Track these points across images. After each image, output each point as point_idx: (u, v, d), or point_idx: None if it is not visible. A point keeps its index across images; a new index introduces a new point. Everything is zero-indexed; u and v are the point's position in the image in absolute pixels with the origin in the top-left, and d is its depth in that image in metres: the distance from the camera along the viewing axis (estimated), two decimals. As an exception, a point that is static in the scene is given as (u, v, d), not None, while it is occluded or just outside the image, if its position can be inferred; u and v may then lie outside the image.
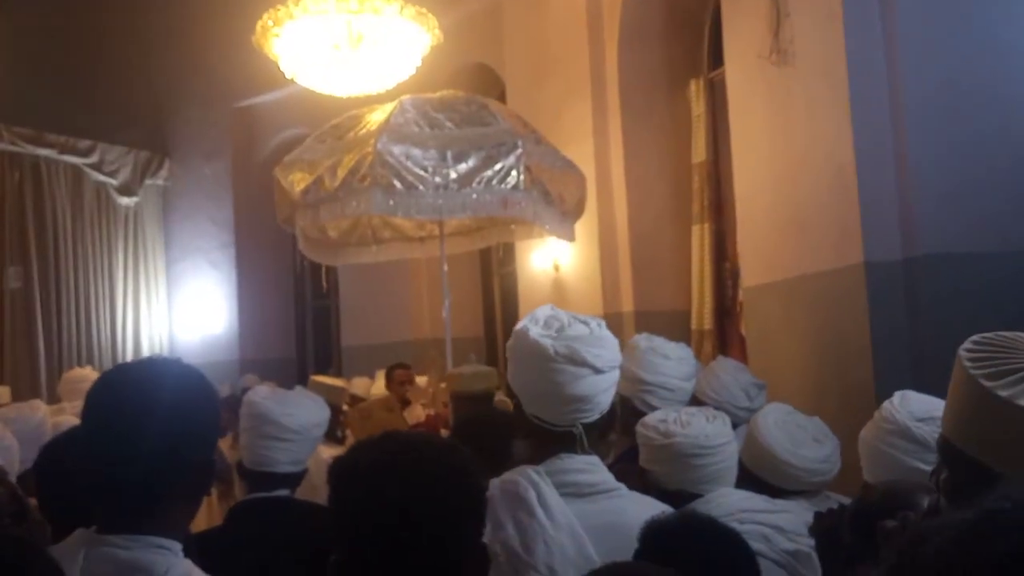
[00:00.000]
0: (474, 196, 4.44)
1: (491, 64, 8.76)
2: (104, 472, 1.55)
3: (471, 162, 4.48)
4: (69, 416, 4.30)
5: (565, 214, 4.98)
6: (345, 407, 5.93)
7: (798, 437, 2.83)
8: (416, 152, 4.43)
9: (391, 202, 4.36)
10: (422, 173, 4.38)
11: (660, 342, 3.39)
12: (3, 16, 8.34)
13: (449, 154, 4.47)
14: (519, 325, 2.04)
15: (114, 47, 11.67)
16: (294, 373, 11.16)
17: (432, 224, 5.81)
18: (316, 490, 3.74)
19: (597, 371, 1.95)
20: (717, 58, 6.68)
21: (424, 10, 6.17)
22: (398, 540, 1.38)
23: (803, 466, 2.77)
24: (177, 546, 1.57)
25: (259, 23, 6.18)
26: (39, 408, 3.84)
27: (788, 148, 4.99)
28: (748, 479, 2.71)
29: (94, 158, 11.15)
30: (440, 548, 1.40)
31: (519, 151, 4.57)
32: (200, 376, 1.64)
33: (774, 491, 2.68)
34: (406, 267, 9.25)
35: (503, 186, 4.49)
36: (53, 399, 5.84)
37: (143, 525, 1.53)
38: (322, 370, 9.65)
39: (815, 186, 4.74)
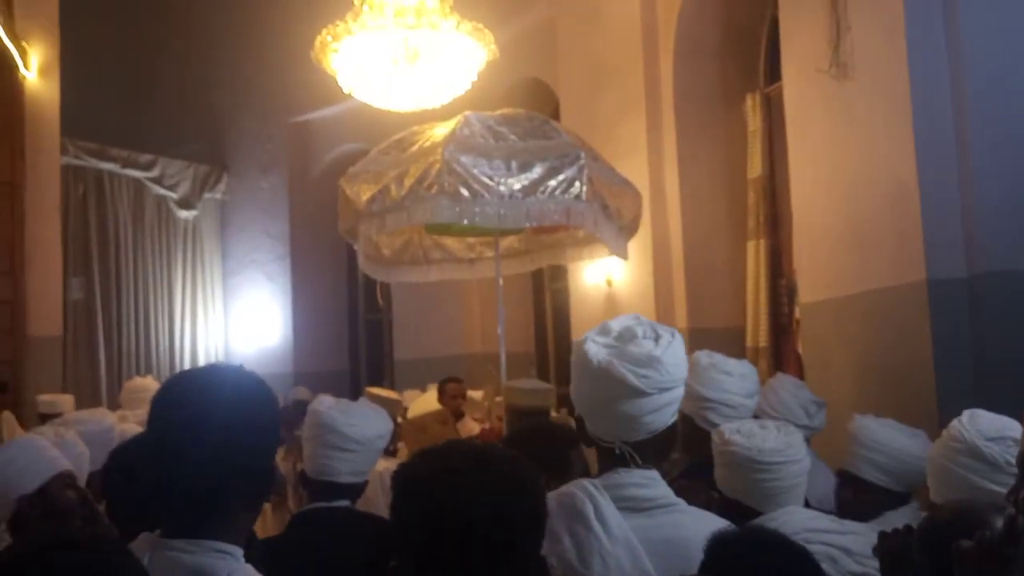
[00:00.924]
0: (537, 206, 4.47)
1: (545, 79, 8.78)
2: (167, 477, 1.58)
3: (535, 172, 4.52)
4: (132, 424, 4.38)
5: (621, 229, 4.98)
6: (399, 420, 5.96)
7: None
8: (482, 162, 4.48)
9: (457, 209, 4.40)
10: (488, 182, 4.43)
11: (721, 358, 3.35)
12: (69, 33, 8.57)
13: (514, 164, 4.52)
14: (585, 335, 2.02)
15: (175, 63, 11.95)
16: (347, 386, 11.25)
17: (481, 246, 5.85)
18: (370, 502, 3.77)
19: (641, 393, 1.90)
20: (774, 72, 6.63)
21: (480, 25, 6.21)
22: (458, 549, 1.38)
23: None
24: (238, 551, 1.58)
25: (318, 39, 6.27)
26: (107, 415, 3.92)
27: (847, 163, 4.93)
28: None
29: (155, 172, 11.38)
30: (500, 559, 1.39)
31: (581, 162, 4.59)
32: (261, 383, 1.66)
33: None
34: (459, 282, 9.26)
35: (566, 196, 4.52)
36: (113, 408, 5.95)
37: (205, 530, 1.55)
38: (374, 383, 9.70)
39: (875, 202, 4.67)
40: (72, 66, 8.62)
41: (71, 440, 3.15)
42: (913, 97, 4.37)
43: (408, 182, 4.54)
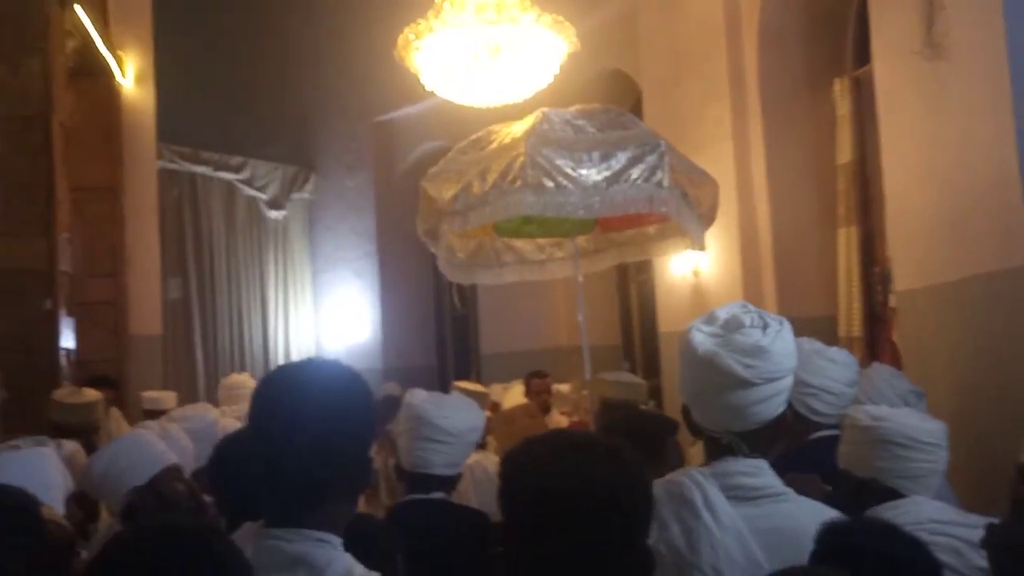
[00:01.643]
0: (621, 194, 4.46)
1: (627, 70, 8.73)
2: (267, 468, 1.62)
3: (617, 162, 4.51)
4: (230, 419, 4.52)
5: (700, 218, 4.93)
6: (488, 413, 6.01)
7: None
8: (564, 154, 4.48)
9: (541, 201, 4.41)
10: (571, 173, 4.43)
11: (822, 346, 3.31)
12: (161, 41, 8.85)
13: (595, 155, 4.51)
14: (689, 324, 2.01)
15: (263, 68, 12.24)
16: (434, 381, 11.38)
17: (552, 247, 5.86)
18: (462, 495, 3.81)
19: (747, 383, 1.90)
20: (862, 55, 6.46)
21: (561, 18, 6.20)
22: (567, 533, 1.39)
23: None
24: (337, 540, 1.62)
25: (400, 37, 6.34)
26: (210, 410, 4.06)
27: (943, 146, 4.78)
28: None
29: (245, 174, 11.69)
30: (609, 543, 1.41)
31: (662, 149, 4.56)
32: (356, 376, 1.70)
33: None
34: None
35: (648, 184, 4.50)
36: (211, 404, 6.14)
37: (305, 520, 1.60)
38: (461, 378, 9.80)
39: (974, 185, 4.52)
40: (165, 73, 8.90)
41: (176, 435, 3.27)
42: (1013, 76, 4.20)
43: (491, 177, 4.56)
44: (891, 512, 2.16)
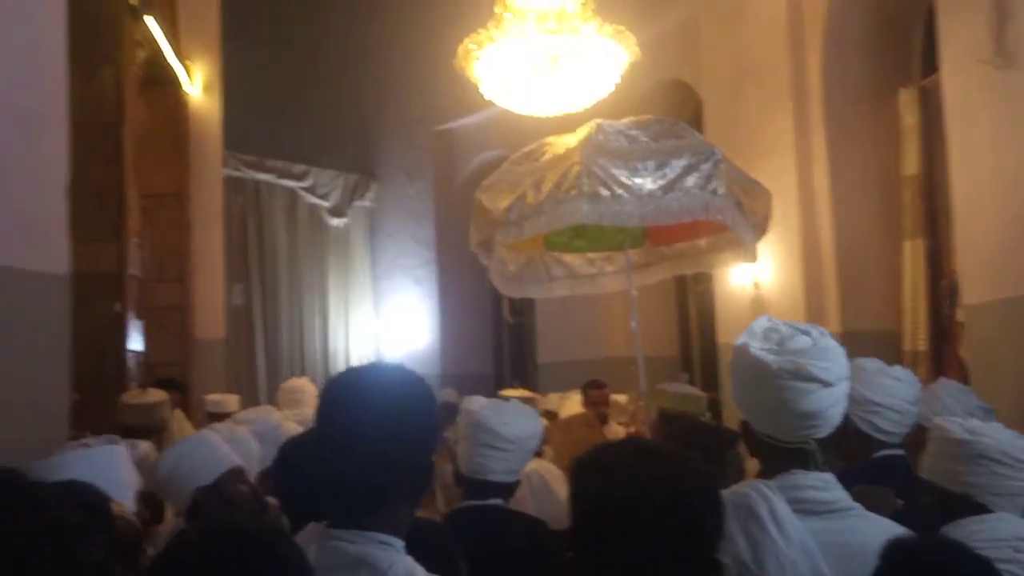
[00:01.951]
0: (676, 202, 4.43)
1: (687, 80, 8.68)
2: (332, 470, 1.65)
3: (672, 170, 4.48)
4: (292, 423, 4.57)
5: (755, 227, 4.88)
6: (543, 421, 6.00)
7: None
8: (619, 163, 4.47)
9: (597, 210, 4.41)
10: (626, 182, 4.42)
11: (884, 364, 3.27)
12: (228, 51, 9.04)
13: (650, 164, 4.50)
14: (739, 341, 2.01)
15: (327, 77, 12.43)
16: (491, 388, 11.39)
17: (602, 261, 5.84)
18: (520, 503, 3.82)
19: (825, 384, 1.91)
20: (929, 64, 6.35)
21: (622, 28, 6.20)
22: (633, 541, 1.39)
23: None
24: (400, 543, 1.64)
25: (461, 47, 6.39)
26: (273, 413, 4.12)
27: (1014, 156, 4.67)
28: None
29: (308, 182, 11.86)
30: (675, 553, 1.40)
31: (717, 157, 4.53)
32: (420, 381, 1.71)
33: None
34: (600, 285, 9.27)
35: (703, 192, 4.47)
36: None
37: (368, 522, 1.62)
38: (518, 386, 9.81)
39: (1046, 196, 4.42)
40: (231, 82, 9.08)
41: (242, 437, 3.33)
42: (1088, 85, 4.11)
43: (546, 187, 4.56)
44: (976, 527, 2.12)
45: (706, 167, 4.53)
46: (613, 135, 4.73)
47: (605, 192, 4.41)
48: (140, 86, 7.05)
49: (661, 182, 4.48)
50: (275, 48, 12.30)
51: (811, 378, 1.90)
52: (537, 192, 4.55)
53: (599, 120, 4.91)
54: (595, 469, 1.49)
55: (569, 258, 5.81)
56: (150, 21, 6.92)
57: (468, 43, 6.38)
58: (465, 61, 6.47)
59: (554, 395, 7.50)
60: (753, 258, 5.04)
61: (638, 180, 4.47)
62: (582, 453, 1.58)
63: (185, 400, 7.00)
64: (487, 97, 6.75)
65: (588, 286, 5.90)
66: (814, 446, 1.91)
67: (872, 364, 3.25)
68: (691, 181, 4.51)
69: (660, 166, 4.50)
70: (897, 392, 3.17)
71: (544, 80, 6.33)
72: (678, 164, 4.53)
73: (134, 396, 5.23)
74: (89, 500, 2.00)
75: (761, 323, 2.06)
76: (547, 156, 4.86)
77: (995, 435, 2.37)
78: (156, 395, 5.20)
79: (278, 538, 1.43)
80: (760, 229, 5.00)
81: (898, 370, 3.28)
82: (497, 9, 6.42)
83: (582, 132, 4.80)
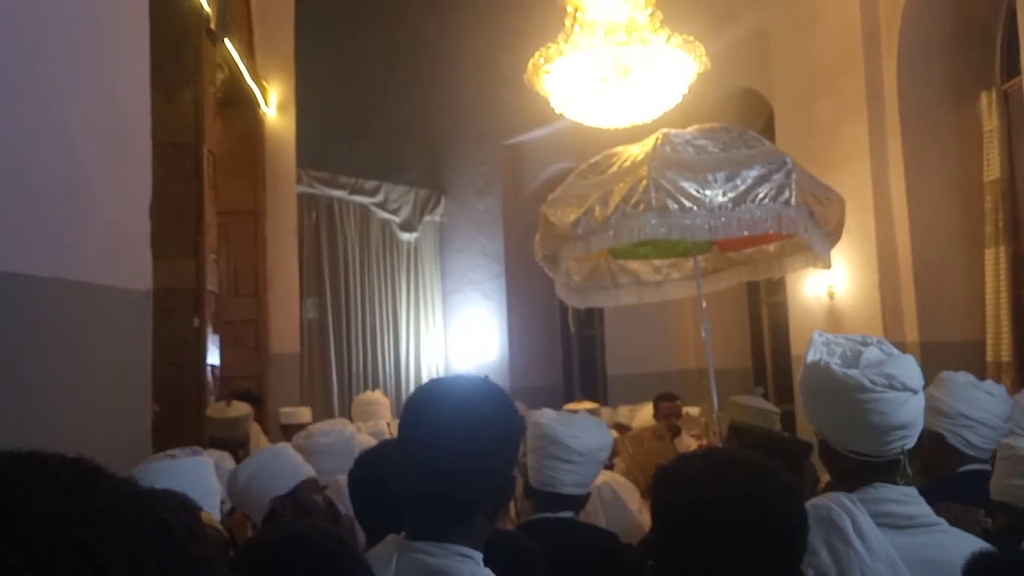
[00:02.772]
0: (748, 214, 4.36)
1: (758, 88, 8.59)
2: (415, 483, 1.65)
3: (743, 181, 4.41)
4: (364, 435, 4.64)
5: (827, 236, 4.77)
6: (613, 433, 5.97)
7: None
8: (688, 175, 4.41)
9: (666, 224, 4.36)
10: (696, 195, 4.36)
11: (975, 379, 3.20)
12: (302, 71, 9.23)
13: (720, 175, 4.42)
14: (812, 359, 1.98)
15: (397, 95, 12.61)
16: (560, 401, 11.37)
17: (668, 268, 5.78)
18: (589, 515, 3.80)
19: (915, 392, 1.90)
20: (1011, 68, 6.18)
21: (691, 38, 6.16)
22: (717, 549, 1.38)
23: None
24: (479, 556, 1.63)
25: (531, 61, 6.42)
26: (347, 425, 4.19)
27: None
28: None
29: (379, 197, 12.03)
30: (759, 563, 1.38)
31: (789, 167, 4.44)
32: (505, 396, 1.70)
33: None
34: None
35: (776, 203, 4.39)
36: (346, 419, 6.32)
37: (447, 534, 1.61)
38: (588, 399, 9.77)
39: None
40: (304, 100, 9.27)
41: (315, 448, 3.39)
42: None
43: (614, 201, 4.51)
44: None
45: (778, 177, 4.46)
46: (680, 146, 4.68)
47: (674, 205, 4.37)
48: (218, 106, 7.24)
49: (732, 194, 4.42)
50: (347, 67, 12.53)
51: (904, 387, 1.88)
52: (604, 206, 4.52)
53: (665, 130, 4.87)
54: (681, 478, 1.48)
55: (635, 265, 5.76)
56: (228, 44, 7.11)
57: (538, 57, 6.41)
58: (535, 75, 6.50)
59: (624, 408, 7.46)
60: (827, 264, 4.94)
61: (708, 192, 4.41)
62: (666, 463, 1.57)
63: (260, 412, 7.13)
64: (557, 110, 6.77)
65: (655, 293, 5.85)
66: (905, 458, 1.88)
67: (963, 377, 3.19)
68: (763, 192, 4.44)
69: (731, 177, 4.44)
70: (990, 407, 3.09)
71: (613, 92, 6.33)
72: (749, 175, 4.46)
73: (219, 410, 5.35)
74: (187, 509, 2.05)
75: (821, 339, 2.04)
76: (613, 168, 4.82)
77: None
78: (241, 408, 5.31)
79: (340, 546, 1.45)
80: (833, 236, 4.90)
81: (990, 384, 3.21)
82: (566, 23, 6.44)
83: (648, 143, 4.75)
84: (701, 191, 4.40)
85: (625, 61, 6.15)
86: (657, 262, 5.75)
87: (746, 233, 4.58)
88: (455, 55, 12.13)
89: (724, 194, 4.40)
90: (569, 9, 6.47)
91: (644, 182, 4.37)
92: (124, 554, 0.61)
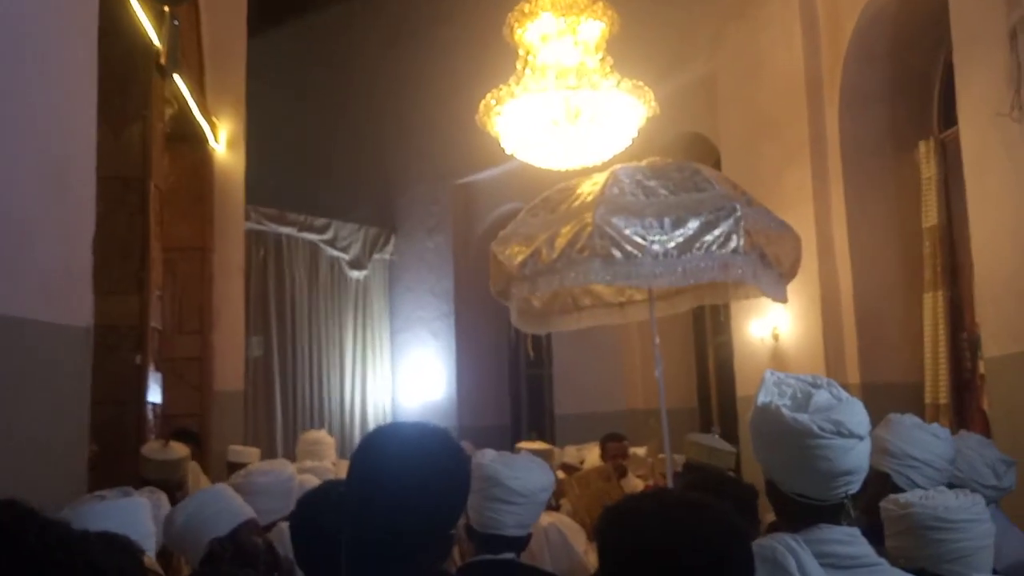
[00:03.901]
0: (693, 263, 4.36)
1: (706, 133, 8.75)
2: (362, 527, 1.63)
3: (690, 228, 4.40)
4: (307, 476, 4.56)
5: (781, 275, 4.82)
6: (560, 474, 5.95)
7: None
8: (634, 221, 4.39)
9: (610, 271, 4.35)
10: (641, 241, 4.34)
11: (921, 420, 3.25)
12: (251, 106, 9.19)
13: (667, 221, 4.41)
14: (761, 401, 1.99)
15: (347, 132, 12.62)
16: (508, 441, 11.34)
17: (631, 289, 5.79)
18: (534, 556, 3.78)
19: (862, 439, 1.92)
20: (948, 118, 6.38)
21: (641, 83, 6.28)
22: None
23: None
24: None
25: (482, 103, 6.49)
26: (287, 465, 4.12)
27: (1034, 208, 4.67)
28: None
29: (329, 235, 11.97)
30: None
31: (738, 214, 4.43)
32: (455, 442, 1.71)
33: None
34: (619, 337, 9.27)
35: (723, 251, 4.39)
36: (288, 459, 6.23)
37: None
38: (536, 438, 9.75)
39: (1067, 248, 4.40)
40: (254, 136, 9.22)
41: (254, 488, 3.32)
42: (1106, 137, 4.11)
43: (559, 244, 4.50)
44: None
45: (727, 224, 4.43)
46: (630, 186, 4.64)
47: (618, 253, 4.32)
48: (167, 142, 7.17)
49: (679, 240, 4.39)
50: (298, 104, 12.52)
51: (851, 434, 1.90)
52: (551, 249, 4.50)
53: (617, 167, 4.87)
54: (629, 519, 1.49)
55: (598, 287, 5.74)
56: (178, 79, 7.06)
57: (489, 98, 6.48)
58: (486, 116, 6.56)
59: (571, 448, 7.45)
60: (783, 299, 4.97)
61: (653, 239, 4.36)
62: (614, 503, 1.57)
63: (201, 451, 7.00)
64: (508, 151, 6.83)
65: (617, 316, 5.80)
66: (849, 502, 1.91)
67: (910, 419, 3.23)
68: (709, 239, 4.41)
69: (677, 223, 4.40)
70: (935, 449, 3.14)
71: (564, 134, 6.41)
72: (696, 221, 4.42)
73: (155, 450, 5.23)
74: (126, 552, 1.99)
75: (772, 379, 2.06)
76: (563, 207, 4.79)
77: (926, 503, 2.37)
78: (178, 450, 5.21)
79: None
80: (788, 275, 4.91)
81: (936, 427, 3.26)
82: (518, 65, 6.52)
83: (599, 181, 4.73)
84: (646, 238, 4.36)
85: (575, 104, 6.24)
86: (639, 286, 5.73)
87: (692, 282, 4.60)
88: (407, 94, 12.19)
89: (670, 241, 4.38)
90: (521, 52, 6.56)
91: (589, 229, 4.35)
92: None
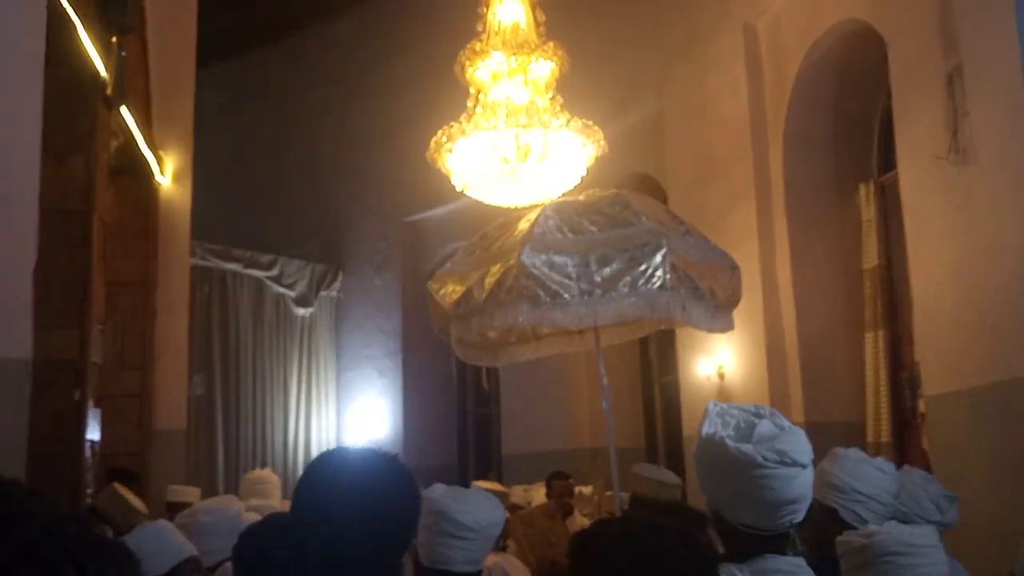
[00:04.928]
0: (617, 300, 4.32)
1: (653, 173, 8.87)
2: (304, 557, 1.60)
3: (615, 266, 4.33)
4: (252, 515, 4.47)
5: (718, 307, 4.75)
6: (507, 515, 5.90)
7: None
8: (559, 260, 4.33)
9: (537, 313, 4.31)
10: (566, 281, 4.28)
11: (866, 455, 3.28)
12: (199, 141, 9.11)
13: (592, 259, 4.35)
14: (706, 432, 2.00)
15: (295, 168, 12.56)
16: (455, 480, 11.24)
17: None
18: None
19: (805, 467, 1.94)
20: (888, 162, 6.56)
21: (590, 122, 6.36)
22: None
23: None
24: None
25: (433, 140, 6.52)
26: (234, 502, 4.04)
27: (972, 249, 4.80)
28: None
29: (275, 271, 11.85)
30: None
31: (663, 250, 4.38)
32: (407, 473, 1.67)
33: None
34: (567, 376, 9.29)
35: (649, 287, 4.34)
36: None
37: None
38: (482, 477, 9.69)
39: (1005, 287, 4.52)
40: (202, 172, 9.13)
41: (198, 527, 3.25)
42: (1038, 180, 4.26)
43: (488, 283, 4.44)
44: None
45: (654, 260, 4.34)
46: (556, 225, 4.56)
47: (543, 295, 4.29)
48: (111, 174, 7.06)
49: (605, 274, 4.35)
50: (246, 140, 12.45)
51: (795, 463, 1.91)
52: (481, 289, 4.44)
53: (550, 203, 4.84)
54: (600, 544, 1.48)
55: None
56: (124, 111, 6.98)
57: (440, 135, 6.51)
58: (437, 153, 6.59)
59: (519, 488, 7.41)
60: (721, 329, 4.93)
61: (579, 280, 4.30)
62: (587, 528, 1.57)
63: (139, 490, 6.82)
64: (458, 189, 6.85)
65: (578, 343, 5.68)
66: (794, 532, 1.92)
67: (855, 454, 3.26)
68: (635, 276, 4.38)
69: (603, 261, 4.32)
70: (881, 483, 3.16)
71: (514, 172, 6.45)
72: (621, 259, 4.36)
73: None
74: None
75: (715, 410, 2.07)
76: (496, 245, 4.75)
77: (890, 530, 2.41)
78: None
79: None
80: (726, 305, 4.88)
81: (880, 461, 3.29)
82: (469, 103, 6.57)
83: (532, 218, 4.69)
84: (571, 279, 4.29)
85: (526, 142, 6.30)
86: (569, 326, 5.71)
87: (617, 321, 4.57)
88: (356, 131, 12.19)
89: (595, 279, 4.34)
90: (472, 90, 6.62)
91: (515, 270, 4.31)
92: None
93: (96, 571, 0.63)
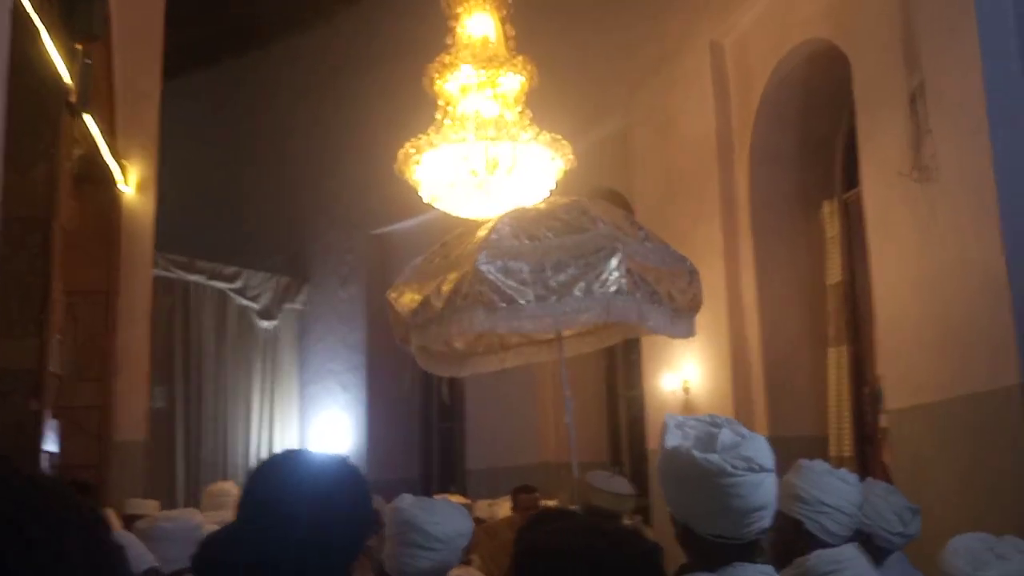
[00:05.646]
0: (573, 305, 4.32)
1: (620, 189, 8.91)
2: (254, 561, 1.57)
3: (571, 271, 4.31)
4: (212, 525, 4.41)
5: (677, 311, 4.73)
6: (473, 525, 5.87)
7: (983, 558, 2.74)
8: (513, 266, 4.32)
9: (492, 319, 4.30)
10: (521, 287, 4.26)
11: (830, 467, 3.30)
12: (164, 151, 9.02)
13: (548, 264, 4.33)
14: (670, 445, 1.99)
15: (260, 180, 12.47)
16: (419, 494, 11.15)
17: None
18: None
19: (770, 472, 1.94)
20: (851, 179, 6.65)
21: (559, 136, 6.39)
22: None
23: None
24: None
25: (401, 151, 6.51)
26: (195, 514, 3.99)
27: (933, 265, 4.87)
28: None
29: (238, 283, 11.73)
30: None
31: (619, 255, 4.35)
32: (360, 476, 1.65)
33: None
34: (532, 390, 9.28)
35: (604, 291, 4.32)
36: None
37: None
38: (446, 491, 9.63)
39: (965, 303, 4.59)
40: (166, 183, 9.03)
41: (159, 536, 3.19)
42: (1000, 197, 4.33)
43: (446, 291, 4.42)
44: None
45: (610, 263, 4.32)
46: (513, 231, 4.55)
47: (499, 300, 4.28)
48: (74, 182, 6.96)
49: (558, 282, 4.33)
50: (211, 150, 12.34)
51: (761, 468, 1.92)
52: (438, 297, 4.43)
53: (508, 211, 4.83)
54: (541, 542, 1.47)
55: None
56: (88, 119, 6.89)
57: (408, 147, 6.50)
58: (405, 165, 6.58)
59: (483, 503, 7.38)
60: (682, 335, 4.89)
61: (534, 286, 4.30)
62: (526, 525, 1.55)
63: (97, 503, 6.70)
64: (426, 201, 6.84)
65: (546, 352, 5.65)
66: (762, 538, 1.93)
67: (820, 465, 3.27)
68: (590, 281, 4.33)
69: (558, 267, 4.32)
70: (845, 494, 3.18)
71: (482, 185, 6.46)
72: (576, 264, 4.34)
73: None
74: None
75: (673, 422, 2.07)
76: (455, 253, 4.73)
77: (818, 554, 2.43)
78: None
79: None
80: (687, 310, 4.86)
81: (844, 472, 3.31)
82: (438, 115, 6.57)
83: (490, 225, 4.69)
84: (527, 285, 4.27)
85: (494, 155, 6.31)
86: (526, 332, 5.69)
87: (573, 326, 4.57)
88: (322, 143, 12.14)
89: (551, 284, 4.33)
90: (440, 103, 6.62)
91: (470, 276, 4.31)
92: None
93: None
